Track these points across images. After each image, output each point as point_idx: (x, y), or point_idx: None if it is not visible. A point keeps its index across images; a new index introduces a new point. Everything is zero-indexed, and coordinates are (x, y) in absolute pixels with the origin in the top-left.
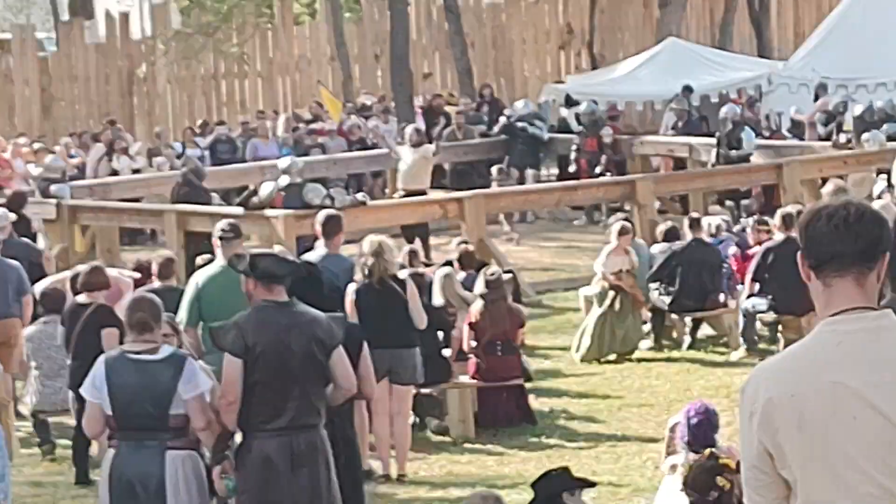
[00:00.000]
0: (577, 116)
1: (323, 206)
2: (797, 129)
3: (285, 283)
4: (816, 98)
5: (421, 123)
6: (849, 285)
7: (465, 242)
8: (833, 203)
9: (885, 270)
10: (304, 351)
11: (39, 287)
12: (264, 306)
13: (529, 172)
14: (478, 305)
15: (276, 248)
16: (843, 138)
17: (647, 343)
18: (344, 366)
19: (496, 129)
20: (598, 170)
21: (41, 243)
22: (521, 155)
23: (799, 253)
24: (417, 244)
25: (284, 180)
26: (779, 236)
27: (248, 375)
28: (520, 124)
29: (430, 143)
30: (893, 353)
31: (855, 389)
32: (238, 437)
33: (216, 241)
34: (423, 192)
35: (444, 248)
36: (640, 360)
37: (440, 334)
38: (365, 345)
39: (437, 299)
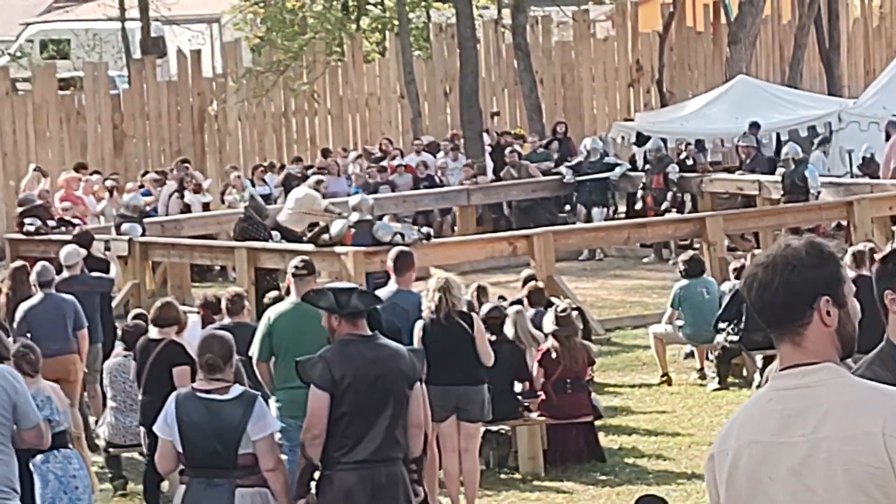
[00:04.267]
0: (644, 154)
1: (393, 243)
2: (868, 167)
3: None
4: (888, 136)
5: (489, 161)
6: (786, 343)
7: (533, 278)
8: (756, 265)
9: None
10: (390, 384)
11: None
12: (350, 340)
13: (596, 211)
14: (548, 342)
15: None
16: None
17: (712, 385)
18: (418, 403)
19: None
20: (664, 206)
21: (113, 271)
22: (589, 193)
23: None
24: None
25: (354, 217)
26: (850, 274)
27: (334, 408)
28: (592, 160)
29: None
30: (815, 410)
31: (771, 449)
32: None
33: (290, 278)
34: None
35: (513, 286)
36: (709, 398)
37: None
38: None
39: (509, 334)
